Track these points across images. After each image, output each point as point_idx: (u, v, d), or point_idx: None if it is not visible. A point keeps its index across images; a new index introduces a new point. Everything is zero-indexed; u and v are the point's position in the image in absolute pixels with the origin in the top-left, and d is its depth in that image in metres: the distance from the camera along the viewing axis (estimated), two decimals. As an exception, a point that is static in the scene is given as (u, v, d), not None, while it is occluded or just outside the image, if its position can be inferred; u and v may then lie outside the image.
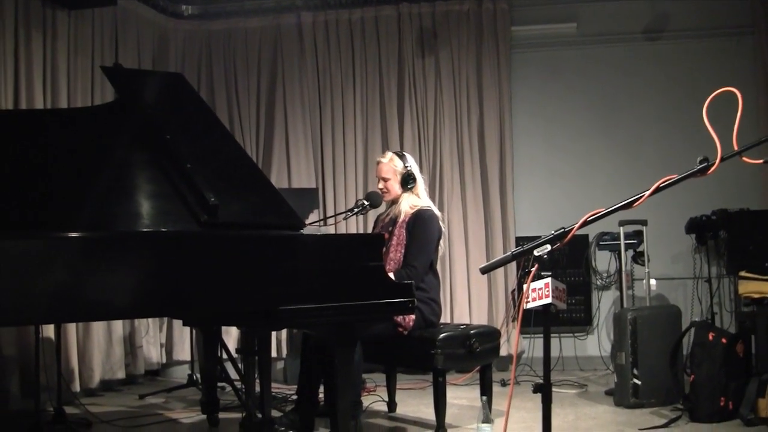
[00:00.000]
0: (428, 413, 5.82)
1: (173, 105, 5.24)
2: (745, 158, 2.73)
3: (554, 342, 7.83)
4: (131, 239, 4.15)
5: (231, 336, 7.91)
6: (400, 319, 5.32)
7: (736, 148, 2.68)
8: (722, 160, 2.66)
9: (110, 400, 6.98)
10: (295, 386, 5.79)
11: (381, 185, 5.75)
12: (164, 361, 8.30)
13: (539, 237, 2.91)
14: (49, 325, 6.17)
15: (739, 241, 7.13)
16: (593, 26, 8.50)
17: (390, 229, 5.64)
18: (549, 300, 2.89)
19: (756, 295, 6.10)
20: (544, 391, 2.91)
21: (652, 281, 7.10)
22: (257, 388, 4.90)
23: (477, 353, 5.40)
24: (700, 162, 2.70)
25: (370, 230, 6.24)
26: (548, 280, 2.89)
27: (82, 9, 7.21)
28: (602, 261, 8.19)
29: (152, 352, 8.03)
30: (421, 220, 5.56)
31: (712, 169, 2.68)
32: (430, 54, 8.45)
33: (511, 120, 8.40)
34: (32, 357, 5.64)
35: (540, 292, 2.92)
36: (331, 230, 6.99)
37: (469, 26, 8.43)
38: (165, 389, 7.26)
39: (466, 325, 5.84)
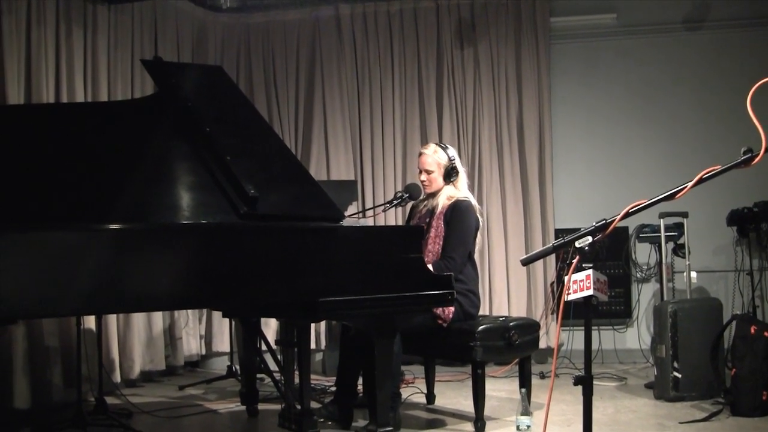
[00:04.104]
0: (467, 405, 5.82)
1: (213, 97, 5.26)
2: (790, 149, 2.69)
3: (594, 334, 7.77)
4: (171, 231, 4.19)
5: (270, 327, 7.93)
6: (439, 311, 5.30)
7: (780, 138, 2.64)
8: (767, 150, 2.63)
9: (150, 391, 7.04)
10: (334, 378, 5.80)
11: (423, 177, 5.69)
12: (204, 352, 8.34)
13: (578, 229, 2.89)
14: (90, 317, 6.24)
15: (781, 233, 7.07)
16: (633, 17, 8.42)
17: (427, 220, 5.62)
18: (590, 292, 2.87)
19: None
20: (585, 383, 2.90)
21: (693, 274, 7.04)
22: (296, 380, 4.91)
23: (516, 345, 5.38)
24: (744, 153, 2.67)
25: (406, 218, 6.22)
26: (590, 271, 2.87)
27: (122, 3, 7.26)
28: (642, 253, 8.12)
29: (192, 343, 8.08)
30: (458, 211, 5.54)
31: (757, 159, 2.65)
32: (468, 45, 8.42)
33: (551, 111, 8.35)
34: (74, 348, 5.69)
35: (581, 283, 2.90)
36: (370, 222, 6.99)
37: (507, 17, 8.39)
38: (204, 380, 7.31)
39: (505, 317, 5.83)
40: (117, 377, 6.86)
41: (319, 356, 8.04)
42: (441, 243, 5.49)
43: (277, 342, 5.68)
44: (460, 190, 5.67)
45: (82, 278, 3.85)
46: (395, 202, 5.85)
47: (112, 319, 6.85)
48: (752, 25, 8.18)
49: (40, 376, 6.14)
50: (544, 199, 8.25)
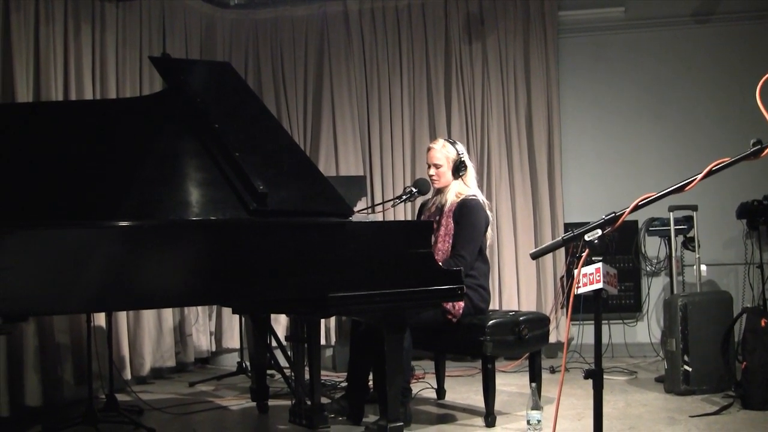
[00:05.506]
0: (477, 400, 5.82)
1: (221, 94, 5.26)
2: (799, 141, 2.68)
3: (604, 328, 7.76)
4: (181, 227, 4.20)
5: (280, 323, 7.94)
6: (449, 306, 5.30)
7: (790, 130, 2.63)
8: (776, 142, 2.62)
9: (161, 388, 7.06)
10: (344, 373, 5.81)
11: (432, 172, 5.69)
12: (214, 349, 8.35)
13: (588, 223, 2.89)
14: (100, 314, 6.25)
15: (791, 226, 7.05)
16: (641, 10, 8.39)
17: (437, 218, 5.62)
18: (600, 285, 2.86)
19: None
20: (596, 377, 2.89)
21: (703, 267, 7.02)
22: (307, 376, 4.92)
23: (526, 340, 5.38)
24: (754, 144, 2.66)
25: (416, 217, 6.21)
26: (599, 264, 2.86)
27: (130, 0, 7.27)
28: (652, 247, 8.10)
29: (202, 340, 8.10)
30: (467, 209, 5.53)
31: (766, 151, 2.64)
32: (477, 40, 8.40)
33: (559, 106, 8.32)
34: (84, 345, 5.71)
35: (591, 277, 2.89)
36: (379, 218, 6.98)
37: (516, 12, 8.37)
38: (215, 377, 7.33)
39: (515, 311, 5.83)
40: (127, 374, 6.88)
41: (329, 352, 8.04)
42: (450, 241, 5.49)
43: (287, 338, 5.66)
44: (469, 185, 5.67)
45: (92, 275, 3.86)
46: (404, 197, 5.85)
47: (123, 316, 6.87)
48: (761, 18, 8.15)
49: (50, 374, 6.16)
50: (553, 193, 8.23)
